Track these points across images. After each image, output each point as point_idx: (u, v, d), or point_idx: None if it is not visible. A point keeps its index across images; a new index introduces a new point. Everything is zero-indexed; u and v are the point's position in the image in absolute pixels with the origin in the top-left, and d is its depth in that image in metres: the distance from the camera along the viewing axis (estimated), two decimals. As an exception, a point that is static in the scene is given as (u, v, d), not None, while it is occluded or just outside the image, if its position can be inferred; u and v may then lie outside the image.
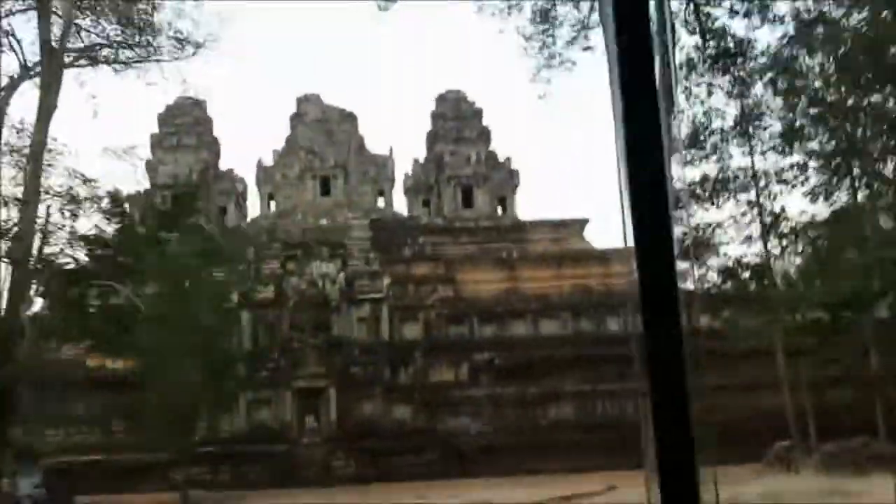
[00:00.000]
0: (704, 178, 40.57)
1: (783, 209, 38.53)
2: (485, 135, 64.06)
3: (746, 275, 39.79)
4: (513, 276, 56.03)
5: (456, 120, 63.96)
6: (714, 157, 40.47)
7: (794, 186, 38.97)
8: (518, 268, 56.95)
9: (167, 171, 60.76)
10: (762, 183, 39.22)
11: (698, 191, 40.46)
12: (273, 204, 67.00)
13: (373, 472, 39.72)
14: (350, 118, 68.61)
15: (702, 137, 39.78)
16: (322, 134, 66.42)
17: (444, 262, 56.74)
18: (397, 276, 53.95)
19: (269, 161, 68.08)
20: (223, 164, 67.64)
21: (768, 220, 38.77)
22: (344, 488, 37.12)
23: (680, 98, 40.49)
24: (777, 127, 38.95)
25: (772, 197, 39.02)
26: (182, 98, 63.65)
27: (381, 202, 68.48)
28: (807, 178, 38.62)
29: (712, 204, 40.78)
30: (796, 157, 38.38)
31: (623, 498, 27.49)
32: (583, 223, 61.09)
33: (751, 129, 39.33)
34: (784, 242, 38.77)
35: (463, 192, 62.24)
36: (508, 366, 45.81)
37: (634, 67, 2.25)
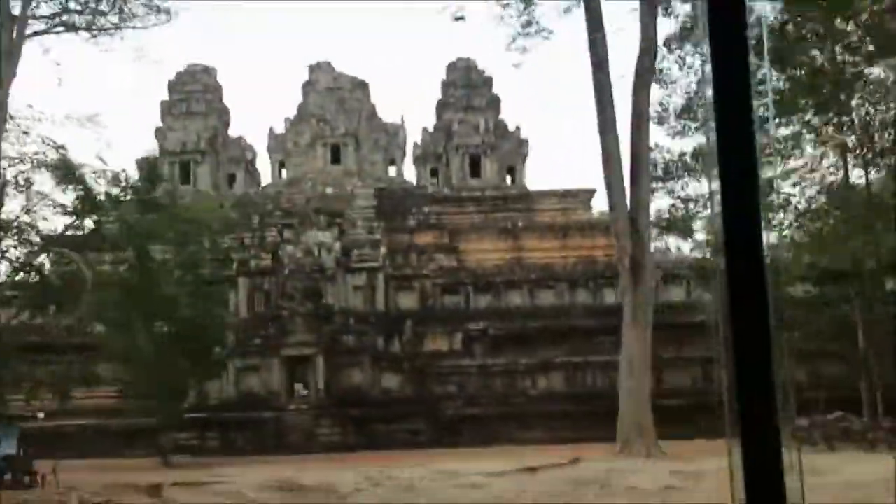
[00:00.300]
0: (700, 150, 40.02)
1: (771, 182, 37.89)
2: (494, 103, 63.55)
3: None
4: (517, 245, 55.77)
5: (465, 88, 63.52)
6: (707, 128, 39.88)
7: (787, 158, 38.34)
8: (522, 238, 56.70)
9: (176, 138, 60.91)
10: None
11: (691, 162, 40.02)
12: (284, 172, 67.09)
13: (359, 440, 39.84)
14: (362, 86, 68.35)
15: (696, 108, 39.28)
16: (333, 102, 66.23)
17: (448, 231, 56.59)
18: (399, 245, 53.99)
19: (280, 129, 68.10)
20: (235, 132, 67.73)
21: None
22: (326, 456, 37.25)
23: (674, 67, 39.91)
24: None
25: (763, 169, 38.45)
26: (192, 65, 63.97)
27: (392, 171, 68.38)
28: (802, 151, 38.01)
29: (706, 176, 40.28)
30: (791, 129, 37.77)
31: (584, 470, 27.36)
32: (590, 193, 60.50)
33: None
34: (771, 216, 38.19)
35: (471, 161, 61.82)
36: (502, 336, 45.70)
37: (729, 51, 2.40)
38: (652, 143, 39.67)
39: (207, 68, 64.13)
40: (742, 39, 2.46)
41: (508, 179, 63.85)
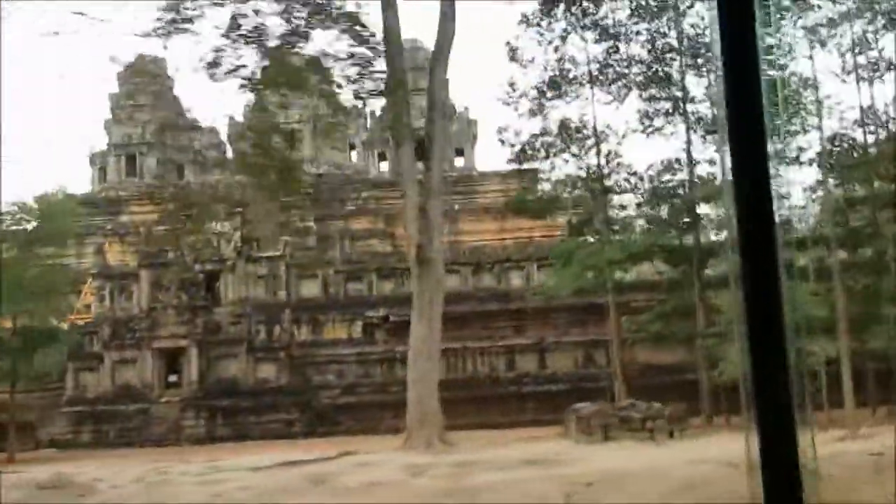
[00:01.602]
0: (563, 126, 38.89)
1: (609, 155, 36.63)
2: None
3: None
4: (455, 229, 54.94)
5: (412, 70, 62.43)
6: (571, 105, 38.70)
7: (649, 133, 36.97)
8: (461, 221, 56.02)
9: (122, 131, 61.36)
10: (606, 130, 37.47)
11: (554, 140, 38.92)
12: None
13: (226, 431, 39.67)
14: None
15: (557, 84, 38.12)
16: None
17: (384, 216, 56.13)
18: (332, 231, 53.91)
19: (240, 117, 68.00)
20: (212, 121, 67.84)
21: (607, 171, 37.07)
22: (182, 448, 37.25)
23: (530, 45, 38.65)
24: (626, 71, 36.99)
25: (612, 147, 37.25)
26: (140, 56, 64.18)
27: (355, 156, 67.86)
28: (655, 127, 36.60)
29: (572, 154, 39.10)
30: (641, 105, 36.50)
31: (335, 465, 26.76)
32: (535, 172, 59.17)
33: (603, 76, 37.42)
34: (620, 193, 36.98)
35: (416, 144, 60.76)
36: (403, 323, 44.94)
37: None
38: (502, 124, 38.79)
39: (156, 59, 64.22)
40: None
41: (460, 161, 62.91)
